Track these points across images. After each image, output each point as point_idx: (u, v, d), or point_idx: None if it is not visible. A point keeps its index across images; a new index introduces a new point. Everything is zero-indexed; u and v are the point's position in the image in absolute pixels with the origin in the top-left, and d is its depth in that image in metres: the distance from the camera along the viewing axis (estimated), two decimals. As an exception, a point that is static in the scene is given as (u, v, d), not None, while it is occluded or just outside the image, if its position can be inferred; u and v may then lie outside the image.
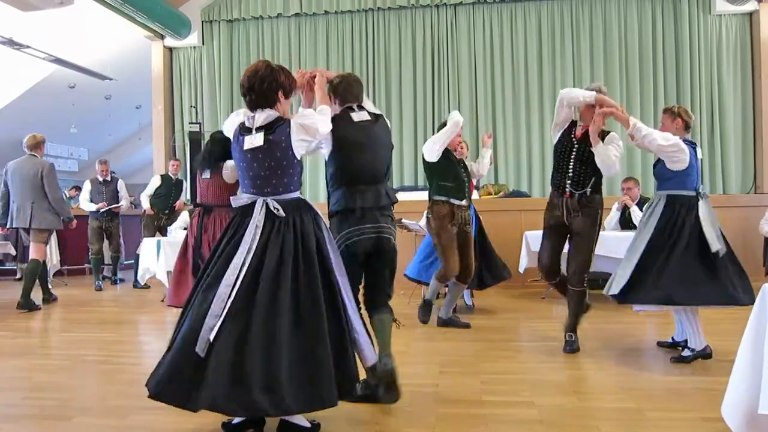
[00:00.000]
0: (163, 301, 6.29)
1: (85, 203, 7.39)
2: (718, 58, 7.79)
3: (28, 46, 9.22)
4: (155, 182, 7.32)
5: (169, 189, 7.34)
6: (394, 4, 8.21)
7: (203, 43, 8.77)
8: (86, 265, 8.88)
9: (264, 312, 2.28)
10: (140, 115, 13.68)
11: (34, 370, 3.66)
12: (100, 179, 7.43)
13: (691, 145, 3.62)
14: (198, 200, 4.54)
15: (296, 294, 2.33)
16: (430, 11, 8.31)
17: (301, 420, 2.43)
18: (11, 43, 8.90)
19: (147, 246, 6.11)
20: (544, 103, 8.04)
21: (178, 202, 7.48)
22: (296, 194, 2.50)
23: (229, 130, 2.63)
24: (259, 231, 2.36)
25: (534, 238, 5.90)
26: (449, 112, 8.24)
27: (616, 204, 5.92)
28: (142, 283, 6.69)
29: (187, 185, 8.04)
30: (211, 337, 2.24)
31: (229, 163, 4.24)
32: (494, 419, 2.66)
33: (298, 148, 2.44)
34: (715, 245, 3.38)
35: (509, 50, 8.17)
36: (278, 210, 2.39)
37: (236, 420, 2.46)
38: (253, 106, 2.48)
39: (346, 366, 2.41)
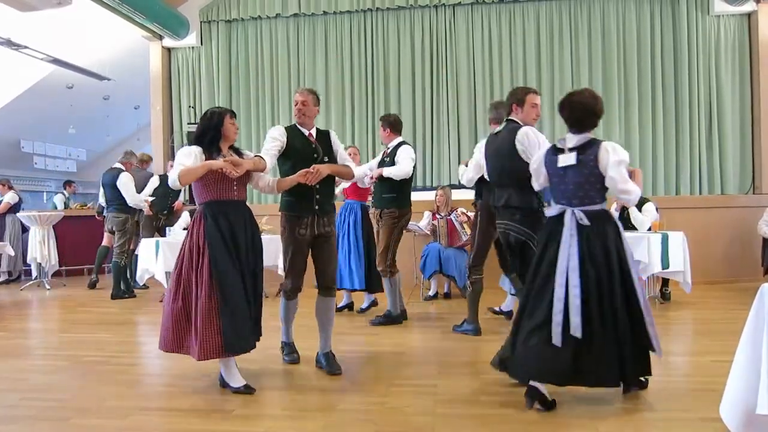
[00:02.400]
0: (161, 301, 6.27)
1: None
2: (717, 59, 7.79)
3: (26, 47, 9.21)
4: (154, 182, 7.30)
5: (167, 189, 7.31)
6: (393, 4, 8.20)
7: (202, 44, 8.77)
8: (85, 266, 8.86)
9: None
10: (139, 116, 13.67)
11: (32, 371, 3.65)
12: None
13: None
14: (204, 197, 3.17)
15: (600, 292, 2.72)
16: (429, 12, 8.31)
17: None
18: (9, 43, 8.90)
19: (145, 246, 6.10)
20: (543, 104, 8.03)
21: (177, 203, 7.47)
22: (600, 206, 2.83)
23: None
24: (574, 238, 2.75)
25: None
26: (447, 112, 8.29)
27: (614, 205, 5.92)
28: (141, 284, 6.68)
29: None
30: (578, 334, 2.66)
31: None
32: (493, 419, 2.66)
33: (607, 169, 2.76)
34: None
35: (508, 51, 8.17)
36: (582, 219, 2.76)
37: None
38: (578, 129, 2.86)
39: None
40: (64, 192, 10.40)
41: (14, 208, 8.28)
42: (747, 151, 7.78)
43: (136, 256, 6.62)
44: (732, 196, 7.50)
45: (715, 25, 7.80)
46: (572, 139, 2.86)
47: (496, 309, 5.13)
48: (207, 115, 3.23)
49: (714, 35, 7.80)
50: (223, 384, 3.18)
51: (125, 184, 6.70)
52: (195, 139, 3.20)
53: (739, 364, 1.97)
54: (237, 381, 3.13)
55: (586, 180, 2.79)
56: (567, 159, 2.82)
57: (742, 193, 7.71)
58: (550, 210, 2.94)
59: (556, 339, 2.68)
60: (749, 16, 7.74)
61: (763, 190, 7.52)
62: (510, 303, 5.06)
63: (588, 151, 2.79)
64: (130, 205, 6.78)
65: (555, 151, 2.92)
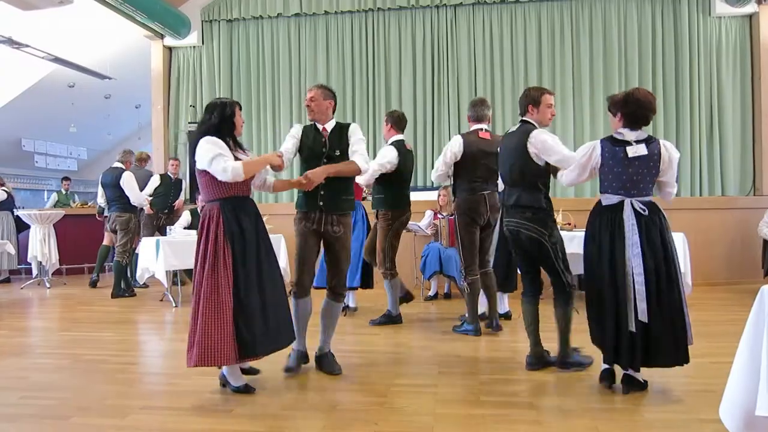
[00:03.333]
0: (162, 300, 6.28)
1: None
2: (718, 60, 7.79)
3: (27, 45, 9.22)
4: (155, 182, 7.32)
5: (168, 188, 7.34)
6: (394, 4, 8.20)
7: (203, 43, 8.77)
8: (85, 264, 8.87)
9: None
10: (139, 115, 13.69)
11: (32, 370, 3.66)
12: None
13: None
14: (221, 194, 3.02)
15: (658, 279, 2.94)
16: (430, 12, 8.31)
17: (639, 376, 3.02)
18: (11, 42, 8.90)
19: (146, 245, 6.10)
20: (544, 104, 8.03)
21: (177, 201, 7.49)
22: (650, 198, 3.04)
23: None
24: (635, 228, 2.94)
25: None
26: (449, 112, 8.29)
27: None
28: (141, 283, 6.69)
29: (186, 184, 8.05)
30: (645, 319, 2.89)
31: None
32: (493, 419, 2.67)
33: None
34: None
35: (509, 51, 8.17)
36: (644, 210, 2.97)
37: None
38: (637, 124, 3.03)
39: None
40: (61, 189, 10.42)
41: (4, 206, 8.24)
42: (748, 153, 7.77)
43: (137, 255, 6.63)
44: (732, 198, 7.50)
45: (717, 27, 7.79)
46: (632, 134, 3.04)
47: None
48: (219, 106, 3.08)
49: (715, 37, 7.80)
50: (224, 383, 3.17)
51: (128, 182, 6.70)
52: (213, 129, 3.02)
53: (738, 365, 1.97)
54: (238, 380, 3.11)
55: (648, 172, 3.01)
56: (638, 150, 3.00)
57: (742, 194, 7.70)
58: (608, 199, 3.06)
59: (632, 325, 2.90)
60: (750, 17, 7.74)
61: (764, 192, 7.51)
62: (505, 304, 5.06)
63: (651, 145, 3.02)
64: (134, 203, 6.78)
65: (615, 143, 3.06)
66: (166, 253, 5.68)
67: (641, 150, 3.00)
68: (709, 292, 6.24)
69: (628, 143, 3.02)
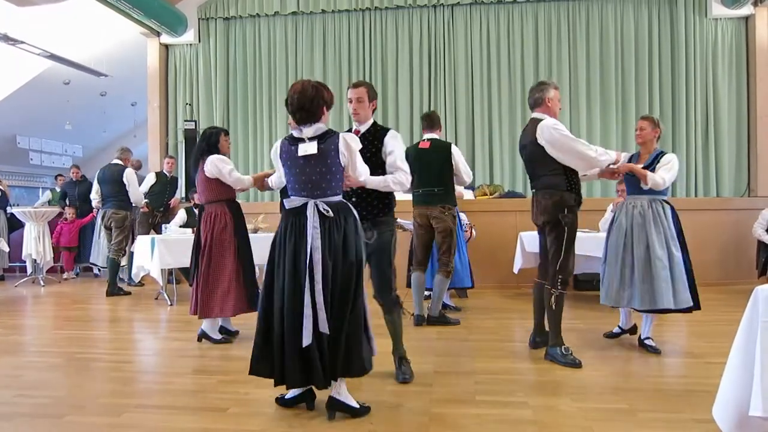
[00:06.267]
0: (157, 299, 6.27)
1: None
2: (714, 62, 7.82)
3: (23, 42, 9.17)
4: (150, 180, 7.30)
5: (164, 186, 7.32)
6: (392, 3, 8.21)
7: (199, 41, 8.74)
8: (82, 264, 8.83)
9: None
10: (135, 112, 13.64)
11: (26, 368, 3.64)
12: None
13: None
14: (199, 199, 4.32)
15: (333, 286, 2.66)
16: (428, 11, 8.32)
17: (349, 399, 2.73)
18: (6, 38, 8.86)
19: (141, 243, 6.08)
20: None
21: (173, 200, 7.47)
22: (339, 197, 2.77)
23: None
24: (317, 231, 2.63)
25: (529, 238, 5.90)
26: (445, 112, 8.29)
27: (611, 206, 5.94)
28: (137, 281, 6.67)
29: (182, 183, 8.03)
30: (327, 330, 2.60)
31: (211, 157, 4.08)
32: (488, 419, 2.67)
33: (342, 158, 2.74)
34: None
35: (506, 51, 8.18)
36: (328, 211, 2.66)
37: (290, 394, 2.83)
38: (303, 122, 2.76)
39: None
40: (56, 187, 10.36)
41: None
42: (743, 154, 7.81)
43: (131, 253, 6.61)
44: (727, 199, 7.53)
45: (713, 29, 7.83)
46: (310, 129, 2.75)
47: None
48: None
49: (711, 38, 7.83)
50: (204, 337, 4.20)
51: (133, 180, 6.68)
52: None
53: (732, 365, 1.97)
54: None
55: (327, 170, 2.71)
56: (308, 148, 2.70)
57: (737, 195, 7.74)
58: (291, 202, 2.76)
59: (309, 339, 2.66)
60: (746, 19, 7.77)
61: (759, 193, 7.55)
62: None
63: (328, 140, 2.72)
64: (132, 201, 6.74)
65: (292, 141, 2.77)
66: (161, 252, 5.66)
67: (311, 149, 2.68)
68: (703, 293, 6.21)
69: (302, 140, 2.73)
